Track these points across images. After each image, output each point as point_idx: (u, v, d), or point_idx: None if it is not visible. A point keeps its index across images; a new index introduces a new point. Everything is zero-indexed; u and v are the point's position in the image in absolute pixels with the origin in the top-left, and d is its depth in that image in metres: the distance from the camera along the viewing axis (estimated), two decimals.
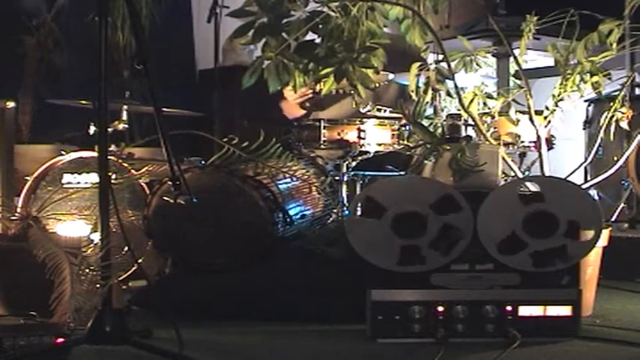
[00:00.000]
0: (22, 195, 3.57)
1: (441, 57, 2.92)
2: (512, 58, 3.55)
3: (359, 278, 2.53)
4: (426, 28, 2.89)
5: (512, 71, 4.23)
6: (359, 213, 2.51)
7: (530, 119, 2.98)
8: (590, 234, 2.50)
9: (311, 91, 3.98)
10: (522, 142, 3.72)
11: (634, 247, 3.68)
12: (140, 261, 2.85)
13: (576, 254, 2.49)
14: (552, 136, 3.74)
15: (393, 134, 3.66)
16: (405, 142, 3.62)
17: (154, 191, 3.11)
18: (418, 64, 2.99)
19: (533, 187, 2.51)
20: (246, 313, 2.84)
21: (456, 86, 2.90)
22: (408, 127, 3.64)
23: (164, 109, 2.43)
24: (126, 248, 2.49)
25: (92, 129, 3.60)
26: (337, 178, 3.73)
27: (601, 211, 2.58)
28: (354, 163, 3.76)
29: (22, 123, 4.95)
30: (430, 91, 2.99)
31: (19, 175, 3.58)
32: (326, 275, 2.88)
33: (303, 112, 4.25)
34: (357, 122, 3.62)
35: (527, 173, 3.70)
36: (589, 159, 3.27)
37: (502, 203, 2.47)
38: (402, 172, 3.99)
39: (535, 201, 2.45)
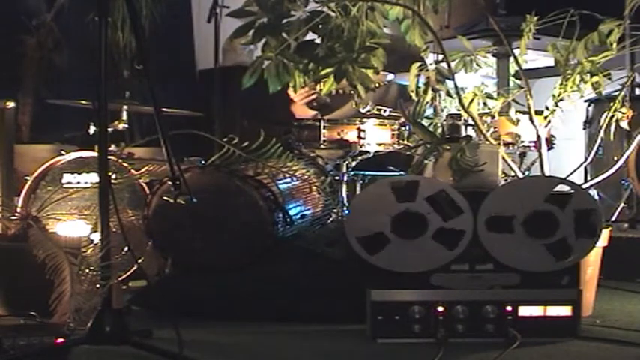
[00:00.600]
0: (22, 195, 3.57)
1: (441, 57, 2.92)
2: (512, 58, 3.55)
3: (359, 278, 2.53)
4: (426, 28, 2.89)
5: (512, 71, 4.23)
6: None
7: (530, 119, 2.98)
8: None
9: (315, 91, 3.98)
10: (522, 142, 3.71)
11: (634, 247, 3.68)
12: (140, 261, 2.85)
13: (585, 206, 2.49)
14: (552, 136, 3.74)
15: (393, 134, 3.65)
16: (405, 142, 3.62)
17: (154, 191, 3.11)
18: (418, 64, 2.99)
19: None
20: (246, 313, 2.83)
21: (456, 86, 2.90)
22: (408, 127, 3.64)
23: (164, 109, 2.43)
24: (126, 248, 2.49)
25: (92, 129, 3.60)
26: (337, 178, 3.73)
27: (601, 211, 2.58)
28: (354, 163, 3.76)
29: (22, 123, 4.96)
30: (430, 91, 2.99)
31: (19, 175, 3.58)
32: (326, 275, 2.88)
33: (313, 112, 4.25)
34: (357, 122, 3.62)
35: (527, 173, 3.70)
36: (589, 159, 3.27)
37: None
38: (402, 172, 3.99)
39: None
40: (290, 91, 3.27)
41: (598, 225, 2.50)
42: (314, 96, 4.13)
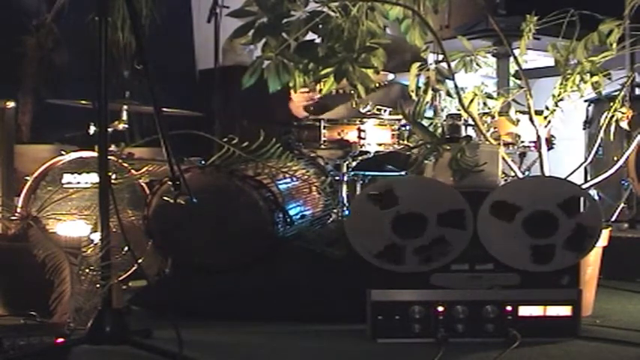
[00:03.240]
0: (22, 195, 3.57)
1: (441, 57, 2.92)
2: (512, 58, 3.56)
3: (359, 278, 2.53)
4: (426, 28, 2.89)
5: (512, 71, 4.23)
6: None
7: (530, 119, 2.98)
8: None
9: (318, 96, 3.98)
10: (522, 142, 3.72)
11: (634, 247, 3.68)
12: (140, 261, 2.85)
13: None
14: (552, 136, 3.75)
15: (393, 134, 3.66)
16: (405, 142, 3.62)
17: (154, 191, 3.11)
18: (418, 64, 3.00)
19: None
20: (246, 314, 2.83)
21: (456, 86, 2.90)
22: (408, 127, 3.64)
23: (164, 109, 2.43)
24: (126, 248, 2.49)
25: (92, 129, 3.60)
26: (337, 178, 3.73)
27: (601, 211, 2.57)
28: (354, 163, 3.76)
29: (22, 123, 4.96)
30: (430, 91, 2.99)
31: (19, 175, 3.59)
32: (326, 275, 2.88)
33: (306, 114, 4.25)
34: (357, 122, 3.62)
35: (527, 173, 3.70)
36: (589, 159, 3.27)
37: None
38: (402, 172, 3.99)
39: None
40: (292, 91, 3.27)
41: (589, 245, 2.51)
42: (313, 102, 4.13)
